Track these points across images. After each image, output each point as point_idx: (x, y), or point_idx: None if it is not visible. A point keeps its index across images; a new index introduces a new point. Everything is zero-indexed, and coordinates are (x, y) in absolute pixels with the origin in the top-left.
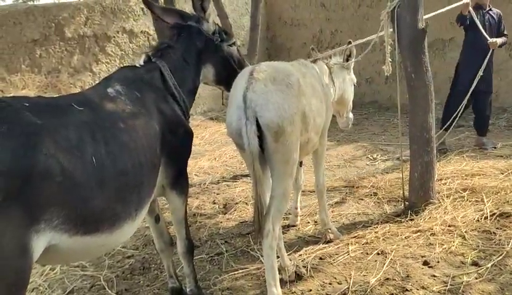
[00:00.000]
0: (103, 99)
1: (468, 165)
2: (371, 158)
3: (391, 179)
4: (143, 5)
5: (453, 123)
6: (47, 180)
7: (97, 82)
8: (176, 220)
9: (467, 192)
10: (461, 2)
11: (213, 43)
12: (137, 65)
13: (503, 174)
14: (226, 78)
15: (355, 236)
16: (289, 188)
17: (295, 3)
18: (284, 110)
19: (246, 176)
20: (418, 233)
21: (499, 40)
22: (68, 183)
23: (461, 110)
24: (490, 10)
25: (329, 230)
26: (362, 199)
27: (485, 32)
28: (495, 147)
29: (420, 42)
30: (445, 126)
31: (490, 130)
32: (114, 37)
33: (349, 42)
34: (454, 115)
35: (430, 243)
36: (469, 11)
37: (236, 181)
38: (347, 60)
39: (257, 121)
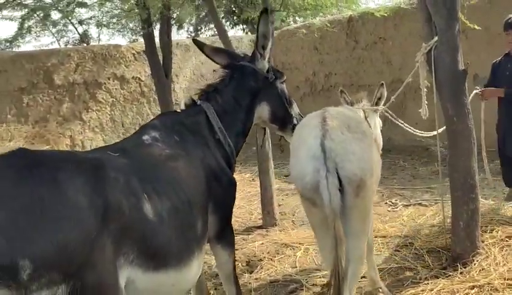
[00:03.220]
0: (138, 146)
1: (508, 210)
2: (390, 203)
3: (424, 227)
4: (134, 51)
5: None
6: (120, 214)
7: (87, 130)
8: (224, 276)
9: None
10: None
11: (268, 81)
12: (178, 110)
13: None
14: (281, 116)
15: None
16: (365, 250)
17: (286, 47)
18: (365, 161)
19: (259, 227)
20: (477, 290)
21: (490, 90)
22: (135, 215)
23: None
24: None
25: (380, 290)
26: (398, 250)
27: (501, 83)
28: None
29: (460, 84)
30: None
31: None
32: (105, 83)
33: (382, 84)
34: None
35: None
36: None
37: (250, 233)
38: (377, 103)
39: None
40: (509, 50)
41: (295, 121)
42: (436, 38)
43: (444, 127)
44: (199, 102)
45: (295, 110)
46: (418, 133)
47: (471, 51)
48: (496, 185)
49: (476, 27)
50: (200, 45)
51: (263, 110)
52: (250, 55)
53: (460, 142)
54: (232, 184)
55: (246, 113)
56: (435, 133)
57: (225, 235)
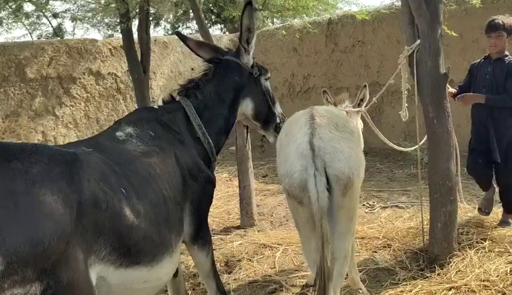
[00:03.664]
0: (112, 142)
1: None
2: (368, 205)
3: (401, 228)
4: (110, 46)
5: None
6: (94, 209)
7: (60, 126)
8: (203, 274)
9: (488, 242)
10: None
11: (252, 77)
12: (155, 106)
13: None
14: (264, 113)
15: None
16: (350, 249)
17: (265, 47)
18: (353, 160)
19: (237, 228)
20: (454, 291)
21: (471, 96)
22: (111, 211)
23: None
24: (502, 60)
25: (360, 291)
26: (375, 252)
27: (480, 86)
28: None
29: (441, 87)
30: None
31: None
32: (80, 78)
33: (365, 86)
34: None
35: None
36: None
37: (228, 234)
38: (359, 105)
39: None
40: (490, 52)
41: (277, 120)
42: (418, 41)
43: (425, 138)
44: (177, 98)
45: (278, 109)
46: (396, 148)
47: (446, 57)
48: (470, 189)
49: (453, 33)
50: (183, 38)
51: (246, 106)
52: (234, 50)
53: (440, 145)
54: (210, 183)
55: (229, 109)
56: (414, 147)
57: (202, 235)
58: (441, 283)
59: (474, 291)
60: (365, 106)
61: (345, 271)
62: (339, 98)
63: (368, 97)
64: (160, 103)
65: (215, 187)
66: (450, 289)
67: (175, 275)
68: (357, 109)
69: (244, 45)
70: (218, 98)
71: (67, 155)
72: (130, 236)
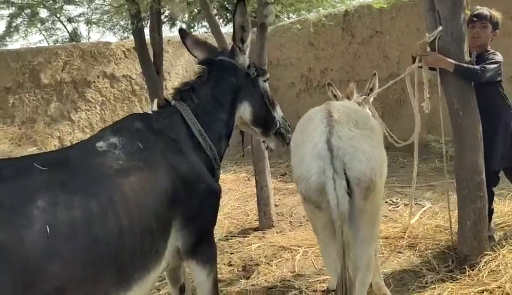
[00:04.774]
0: (86, 155)
1: None
2: (391, 202)
3: (427, 227)
4: (124, 48)
5: None
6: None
7: (76, 130)
8: None
9: None
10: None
11: (250, 78)
12: (149, 111)
13: None
14: (263, 118)
15: None
16: (373, 256)
17: (280, 43)
18: (375, 160)
19: (256, 229)
20: (487, 294)
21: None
22: (12, 258)
23: None
24: (484, 57)
25: None
26: (400, 252)
27: None
28: None
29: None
30: None
31: None
32: (94, 82)
33: (374, 74)
34: None
35: None
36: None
37: (246, 236)
38: (369, 94)
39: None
40: (470, 46)
41: (278, 125)
42: (440, 28)
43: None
44: (173, 102)
45: (279, 113)
46: (396, 141)
47: None
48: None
49: None
50: (183, 36)
51: (244, 110)
52: (229, 49)
53: (466, 138)
54: (212, 193)
55: (228, 113)
56: (408, 142)
57: (201, 251)
58: (472, 286)
59: (509, 294)
60: (370, 96)
61: (369, 281)
62: (346, 91)
63: (377, 85)
64: (155, 108)
65: (219, 197)
66: (483, 292)
67: (182, 292)
68: (362, 98)
69: (239, 45)
70: (216, 102)
71: None
72: (57, 278)
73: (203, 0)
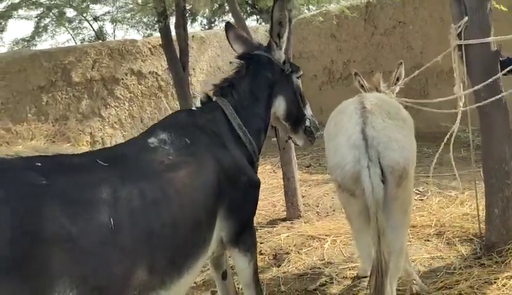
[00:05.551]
0: (140, 151)
1: None
2: (418, 192)
3: (454, 215)
4: (150, 46)
5: None
6: (54, 247)
7: (106, 126)
8: (243, 283)
9: None
10: None
11: (284, 74)
12: (193, 108)
13: None
14: (295, 114)
15: (443, 287)
16: (405, 241)
17: (302, 35)
18: (407, 149)
19: (283, 220)
20: None
21: None
22: (78, 249)
23: None
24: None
25: (414, 281)
26: (428, 240)
27: None
28: None
29: (493, 65)
30: None
31: None
32: (123, 79)
33: (401, 63)
34: None
35: None
36: None
37: (275, 226)
38: (395, 84)
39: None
40: None
41: (307, 123)
42: (466, 18)
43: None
44: (214, 98)
45: (309, 111)
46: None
47: (496, 33)
48: None
49: (503, 8)
50: (227, 29)
51: (279, 106)
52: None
53: (493, 127)
54: (253, 185)
55: (265, 108)
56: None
57: (243, 239)
58: (500, 272)
59: None
60: (397, 85)
61: (402, 265)
62: (373, 81)
63: (403, 75)
64: (198, 104)
65: (259, 188)
66: (511, 278)
67: (224, 278)
68: (391, 88)
69: (275, 40)
70: (253, 97)
71: (36, 188)
72: (105, 278)
73: None
